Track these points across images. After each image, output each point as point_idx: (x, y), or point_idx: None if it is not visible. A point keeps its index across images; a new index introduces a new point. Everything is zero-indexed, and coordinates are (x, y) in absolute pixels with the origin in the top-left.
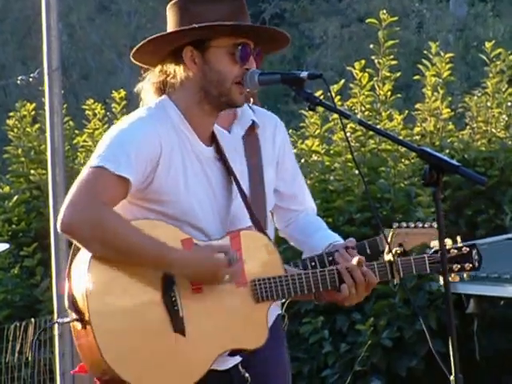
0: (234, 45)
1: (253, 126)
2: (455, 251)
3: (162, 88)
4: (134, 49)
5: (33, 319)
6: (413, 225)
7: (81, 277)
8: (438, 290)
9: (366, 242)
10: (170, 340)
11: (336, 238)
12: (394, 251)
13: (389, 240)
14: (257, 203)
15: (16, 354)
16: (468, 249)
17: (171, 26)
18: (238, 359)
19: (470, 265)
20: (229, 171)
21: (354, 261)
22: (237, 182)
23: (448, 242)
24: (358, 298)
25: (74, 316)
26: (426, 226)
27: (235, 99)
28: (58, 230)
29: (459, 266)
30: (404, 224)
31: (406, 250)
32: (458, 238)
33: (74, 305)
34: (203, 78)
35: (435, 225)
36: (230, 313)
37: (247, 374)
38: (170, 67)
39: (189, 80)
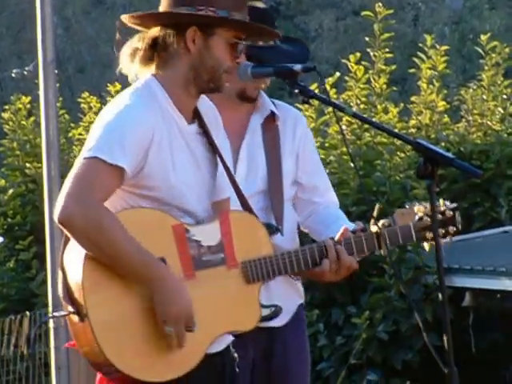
0: (235, 37)
1: (273, 118)
2: (440, 216)
3: (151, 56)
4: (134, 15)
5: (28, 312)
6: (424, 204)
7: (76, 268)
8: (434, 284)
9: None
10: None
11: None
12: (380, 223)
13: (375, 214)
14: (274, 192)
15: (11, 348)
16: (451, 213)
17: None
18: (229, 340)
19: (454, 228)
20: (212, 145)
21: (337, 236)
22: (219, 154)
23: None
24: (337, 276)
25: (70, 308)
26: (423, 203)
27: (222, 86)
28: (56, 220)
29: (443, 231)
30: (416, 203)
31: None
32: (441, 201)
33: (69, 297)
34: (198, 60)
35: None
36: (222, 296)
37: (236, 354)
38: (169, 33)
39: (181, 58)
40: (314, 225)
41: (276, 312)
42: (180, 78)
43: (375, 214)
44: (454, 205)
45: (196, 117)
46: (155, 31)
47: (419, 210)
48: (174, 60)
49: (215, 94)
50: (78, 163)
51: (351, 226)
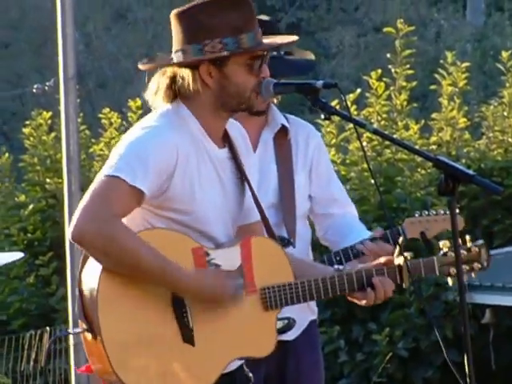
0: (251, 58)
1: (284, 132)
2: (464, 252)
3: (173, 93)
4: (146, 66)
5: (48, 328)
6: (434, 212)
7: (91, 287)
8: (454, 300)
9: (388, 233)
10: (180, 351)
11: (368, 234)
12: (403, 255)
13: (398, 247)
14: (286, 206)
15: (31, 363)
16: (477, 249)
17: (181, 37)
18: (242, 360)
19: (479, 265)
20: (240, 170)
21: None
22: (247, 179)
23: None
24: (375, 301)
25: (85, 326)
26: (446, 212)
27: (254, 105)
28: (69, 238)
29: (468, 267)
30: (426, 212)
31: (428, 238)
32: (467, 238)
33: (84, 315)
34: (221, 90)
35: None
36: (238, 321)
37: (251, 374)
38: (184, 73)
39: (203, 92)
40: (331, 237)
41: (289, 325)
42: (208, 106)
43: (398, 248)
44: (481, 241)
45: (226, 141)
46: (171, 71)
47: (444, 245)
48: (196, 95)
49: None
50: (98, 179)
51: (368, 234)
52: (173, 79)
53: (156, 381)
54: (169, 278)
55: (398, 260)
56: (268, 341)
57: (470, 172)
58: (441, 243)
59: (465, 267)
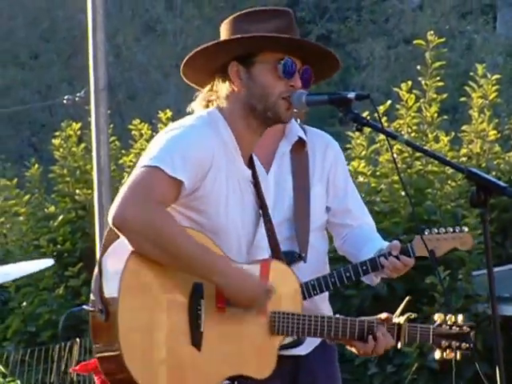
0: (278, 59)
1: (302, 143)
2: (457, 329)
3: (209, 101)
4: (184, 62)
5: (77, 339)
6: (444, 230)
7: (115, 271)
8: (484, 312)
9: (409, 246)
10: (186, 351)
11: (385, 245)
12: (405, 316)
13: (402, 306)
14: (300, 219)
15: (61, 375)
16: (468, 329)
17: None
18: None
19: (467, 345)
20: (260, 198)
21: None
22: (265, 213)
23: (451, 318)
24: (372, 353)
25: (100, 307)
26: (456, 230)
27: (281, 113)
28: (110, 223)
29: (457, 344)
30: (435, 230)
31: (438, 256)
32: (460, 317)
33: (100, 296)
34: (248, 93)
35: (465, 229)
36: (244, 339)
37: None
38: (218, 85)
39: (234, 95)
40: (348, 248)
41: (299, 340)
42: (238, 111)
43: (402, 306)
44: (472, 323)
45: (251, 166)
46: (207, 89)
47: (439, 317)
48: (229, 99)
49: None
50: (135, 171)
51: (384, 244)
52: (211, 88)
53: (158, 375)
54: (210, 261)
55: (399, 319)
56: (267, 364)
57: (502, 184)
58: (436, 316)
59: (454, 343)
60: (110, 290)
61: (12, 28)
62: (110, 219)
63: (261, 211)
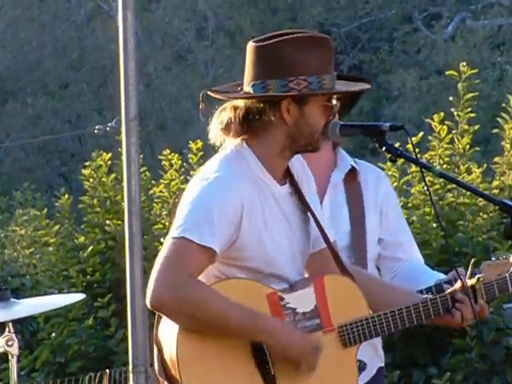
0: (328, 100)
1: (354, 173)
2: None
3: (245, 128)
4: (230, 96)
5: (107, 370)
6: (494, 258)
7: (170, 348)
8: None
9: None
10: None
11: (441, 277)
12: (476, 277)
13: (470, 268)
14: (358, 248)
15: None
16: None
17: (261, 70)
18: None
19: None
20: (303, 202)
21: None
22: (310, 210)
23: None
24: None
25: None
26: (503, 257)
27: (319, 147)
28: (148, 305)
29: None
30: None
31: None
32: None
33: (165, 373)
34: (295, 129)
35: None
36: (320, 362)
37: None
38: (261, 107)
39: (277, 128)
40: (399, 281)
41: (361, 368)
42: (276, 145)
43: (470, 268)
44: None
45: (287, 176)
46: (248, 103)
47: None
48: (268, 131)
49: None
50: (166, 243)
51: (440, 276)
52: (247, 112)
53: None
54: (253, 324)
55: (470, 282)
56: (350, 377)
57: None
58: (485, 265)
59: None
60: (172, 366)
61: (42, 57)
62: (147, 303)
63: (307, 213)
